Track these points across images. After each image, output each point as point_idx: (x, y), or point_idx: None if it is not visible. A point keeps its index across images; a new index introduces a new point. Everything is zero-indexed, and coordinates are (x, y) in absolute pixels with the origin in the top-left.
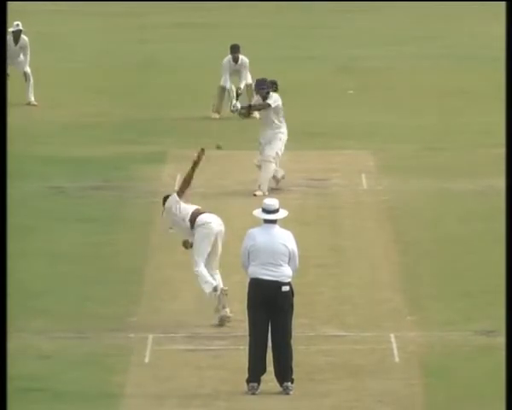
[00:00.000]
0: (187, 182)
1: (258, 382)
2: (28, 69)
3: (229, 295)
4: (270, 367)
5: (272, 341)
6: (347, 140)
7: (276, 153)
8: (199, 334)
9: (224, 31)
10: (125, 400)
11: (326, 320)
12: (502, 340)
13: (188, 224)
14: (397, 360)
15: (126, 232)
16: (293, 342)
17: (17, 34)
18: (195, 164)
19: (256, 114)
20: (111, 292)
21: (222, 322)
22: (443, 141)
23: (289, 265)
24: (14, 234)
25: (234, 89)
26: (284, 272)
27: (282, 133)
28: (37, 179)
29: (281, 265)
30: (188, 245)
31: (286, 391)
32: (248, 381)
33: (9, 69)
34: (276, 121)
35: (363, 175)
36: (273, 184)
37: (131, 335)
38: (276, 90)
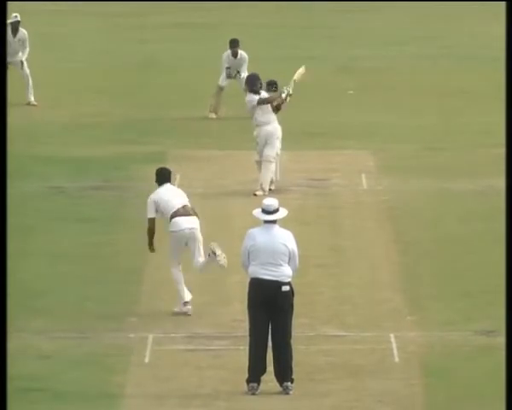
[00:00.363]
0: None
1: (259, 382)
2: (27, 70)
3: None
4: (270, 367)
5: (272, 341)
6: (347, 140)
7: (276, 153)
8: (199, 334)
9: (224, 31)
10: (125, 400)
11: (326, 320)
12: (502, 340)
13: (167, 218)
14: (397, 360)
15: (126, 232)
16: (293, 341)
17: (15, 25)
18: None
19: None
20: (111, 292)
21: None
22: (443, 141)
23: (289, 265)
24: (14, 234)
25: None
26: (284, 272)
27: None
28: (37, 179)
29: (281, 265)
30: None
31: (286, 391)
32: (248, 381)
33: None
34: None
35: (363, 175)
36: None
37: (131, 335)
38: (275, 90)
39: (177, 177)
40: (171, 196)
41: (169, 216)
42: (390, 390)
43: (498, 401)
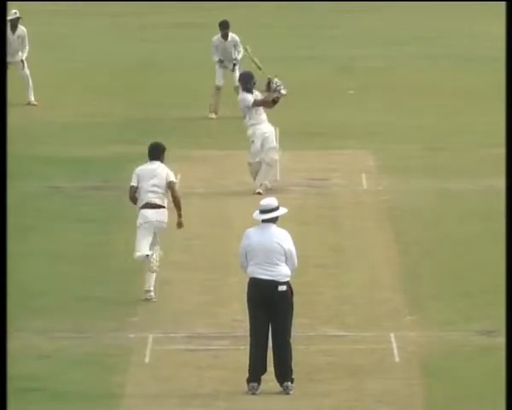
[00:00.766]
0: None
1: (259, 382)
2: (27, 71)
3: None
4: (270, 367)
5: (272, 340)
6: (347, 140)
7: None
8: (199, 334)
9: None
10: (125, 400)
11: (326, 320)
12: (502, 340)
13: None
14: (397, 359)
15: (126, 232)
16: (292, 341)
17: (14, 22)
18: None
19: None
20: (111, 292)
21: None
22: (443, 141)
23: (287, 264)
24: (14, 234)
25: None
26: (281, 272)
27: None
28: (37, 179)
29: (277, 264)
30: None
31: (286, 391)
32: (249, 381)
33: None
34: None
35: (363, 175)
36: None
37: (131, 335)
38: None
39: (178, 177)
40: (148, 176)
41: (139, 205)
42: (390, 390)
43: (498, 401)
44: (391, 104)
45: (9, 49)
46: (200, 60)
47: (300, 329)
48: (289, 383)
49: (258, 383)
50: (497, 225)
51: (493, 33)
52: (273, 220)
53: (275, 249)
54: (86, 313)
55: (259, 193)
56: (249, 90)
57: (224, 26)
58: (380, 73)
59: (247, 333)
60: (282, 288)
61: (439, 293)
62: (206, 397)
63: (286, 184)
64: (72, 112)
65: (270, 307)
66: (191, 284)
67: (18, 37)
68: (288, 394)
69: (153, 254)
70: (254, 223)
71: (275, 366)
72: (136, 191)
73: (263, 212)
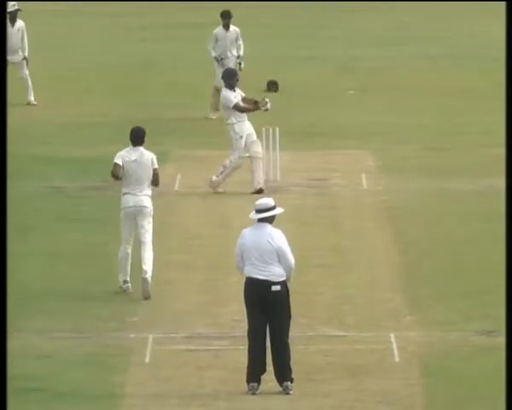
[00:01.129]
0: None
1: (259, 382)
2: (26, 71)
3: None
4: (270, 367)
5: (270, 341)
6: (347, 140)
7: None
8: (199, 334)
9: None
10: (126, 400)
11: (326, 320)
12: (502, 340)
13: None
14: (397, 359)
15: None
16: (291, 341)
17: (14, 14)
18: None
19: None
20: (111, 292)
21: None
22: (443, 141)
23: (281, 264)
24: (14, 234)
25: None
26: (275, 272)
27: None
28: (37, 179)
29: (271, 264)
30: None
31: (286, 391)
32: (248, 381)
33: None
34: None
35: (363, 175)
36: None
37: (131, 335)
38: (276, 91)
39: (178, 177)
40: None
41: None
42: (390, 390)
43: (498, 401)
44: (391, 104)
45: (8, 45)
46: (200, 60)
47: (300, 329)
48: (289, 382)
49: (258, 384)
50: (497, 225)
51: (493, 33)
52: (269, 220)
53: (267, 249)
54: (86, 313)
55: (261, 189)
56: (232, 87)
57: (226, 16)
58: (380, 73)
59: (246, 333)
60: (276, 288)
61: (439, 293)
62: (206, 397)
63: (286, 184)
64: (72, 112)
65: (265, 307)
66: (191, 284)
67: (18, 30)
68: (287, 393)
69: (146, 272)
70: (254, 223)
71: (274, 366)
72: (120, 171)
73: (258, 211)
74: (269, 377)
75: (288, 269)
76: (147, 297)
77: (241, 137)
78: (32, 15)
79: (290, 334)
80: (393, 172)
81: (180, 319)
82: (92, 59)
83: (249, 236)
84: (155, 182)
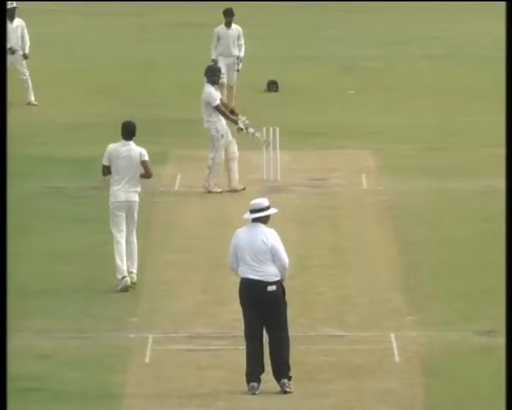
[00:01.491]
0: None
1: (258, 381)
2: (26, 71)
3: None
4: (268, 367)
5: (268, 340)
6: (347, 140)
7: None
8: (199, 334)
9: None
10: (126, 400)
11: (326, 320)
12: (502, 340)
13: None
14: (397, 359)
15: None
16: (291, 341)
17: (11, 12)
18: None
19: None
20: (111, 292)
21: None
22: (443, 141)
23: (275, 263)
24: (14, 234)
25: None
26: (269, 272)
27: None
28: (37, 179)
29: (265, 264)
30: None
31: (283, 388)
32: (248, 380)
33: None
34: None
35: (363, 175)
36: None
37: (131, 335)
38: (276, 91)
39: (178, 177)
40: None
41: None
42: (390, 390)
43: (498, 401)
44: (391, 104)
45: (8, 43)
46: (200, 60)
47: (300, 329)
48: (286, 380)
49: (258, 383)
50: (497, 225)
51: (493, 33)
52: (263, 220)
53: (260, 249)
54: (86, 313)
55: (243, 188)
56: (214, 83)
57: (229, 14)
58: (380, 73)
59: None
60: (272, 288)
61: (439, 293)
62: (206, 397)
63: (286, 184)
64: (72, 112)
65: (261, 307)
66: (191, 284)
67: (17, 27)
68: (285, 391)
69: (132, 273)
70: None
71: (271, 365)
72: (108, 171)
73: (252, 211)
74: (268, 377)
75: (281, 268)
76: (125, 290)
77: (222, 136)
78: (31, 15)
79: (290, 334)
80: (393, 172)
81: (180, 319)
82: (92, 59)
83: (243, 236)
84: (147, 174)
